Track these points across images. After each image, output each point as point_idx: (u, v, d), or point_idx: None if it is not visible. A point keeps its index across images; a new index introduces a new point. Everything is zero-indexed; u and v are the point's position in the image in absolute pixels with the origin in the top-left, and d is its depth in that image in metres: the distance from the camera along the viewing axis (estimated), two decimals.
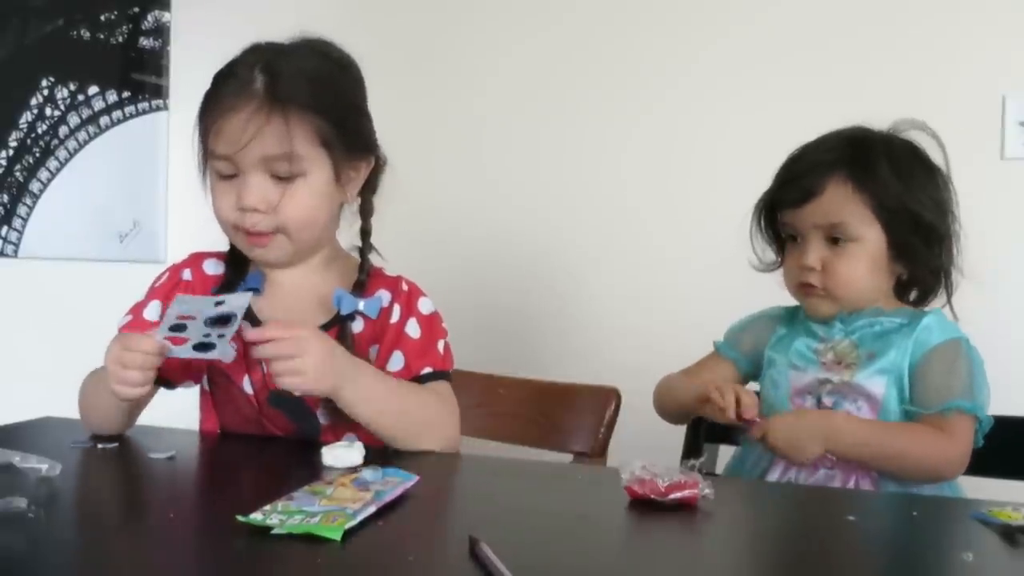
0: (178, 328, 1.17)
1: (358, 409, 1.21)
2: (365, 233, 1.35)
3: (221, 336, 1.15)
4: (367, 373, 1.22)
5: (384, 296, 1.31)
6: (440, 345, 1.32)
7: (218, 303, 1.18)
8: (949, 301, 1.41)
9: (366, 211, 1.35)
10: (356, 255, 1.35)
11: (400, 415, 1.23)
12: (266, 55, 1.26)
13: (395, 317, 1.30)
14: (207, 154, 1.27)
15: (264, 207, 1.24)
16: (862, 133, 1.41)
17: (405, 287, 1.34)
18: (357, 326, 1.30)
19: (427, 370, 1.29)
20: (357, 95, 1.33)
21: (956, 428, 1.30)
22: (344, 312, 1.28)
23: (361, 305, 1.29)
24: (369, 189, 1.34)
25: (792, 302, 1.49)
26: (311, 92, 1.24)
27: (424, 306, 1.34)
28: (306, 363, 1.14)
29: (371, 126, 1.33)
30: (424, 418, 1.25)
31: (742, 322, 1.55)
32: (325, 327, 1.27)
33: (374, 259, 1.36)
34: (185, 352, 1.16)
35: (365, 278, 1.33)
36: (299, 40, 1.29)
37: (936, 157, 1.40)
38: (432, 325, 1.32)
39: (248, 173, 1.23)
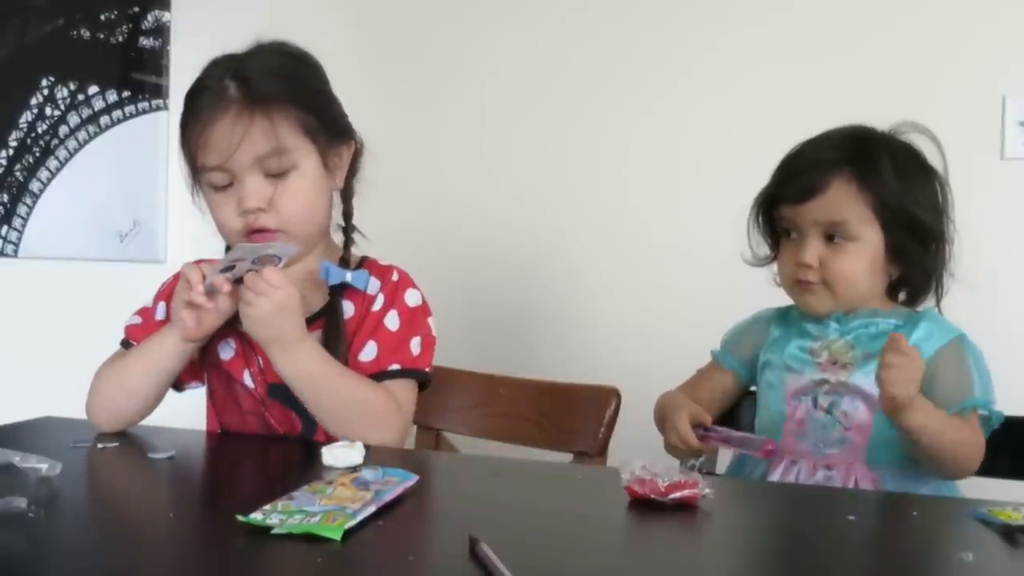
0: (228, 269, 1.21)
1: (287, 376, 1.23)
2: (348, 215, 1.37)
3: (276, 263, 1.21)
4: (307, 349, 1.23)
5: (373, 281, 1.32)
6: (415, 343, 1.31)
7: (267, 246, 1.22)
8: (938, 304, 1.41)
9: (348, 194, 1.37)
10: (342, 237, 1.37)
11: (337, 401, 1.24)
12: (230, 63, 1.28)
13: (377, 306, 1.31)
14: (197, 170, 1.28)
15: (266, 206, 1.25)
16: (866, 132, 1.41)
17: (395, 277, 1.35)
18: (348, 310, 1.31)
19: (394, 367, 1.29)
20: (324, 83, 1.35)
21: (974, 426, 1.31)
22: (332, 282, 1.29)
23: (349, 276, 1.30)
24: (350, 172, 1.36)
25: (785, 302, 1.49)
26: (284, 86, 1.26)
27: (410, 298, 1.34)
28: (260, 306, 1.19)
29: (343, 111, 1.35)
30: (364, 413, 1.24)
31: (737, 328, 1.55)
32: (319, 312, 1.29)
33: (360, 241, 1.37)
34: (228, 286, 1.21)
35: (351, 257, 1.35)
36: (255, 45, 1.31)
37: (935, 160, 1.40)
38: (414, 319, 1.32)
39: (243, 177, 1.25)
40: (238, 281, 1.22)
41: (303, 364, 1.23)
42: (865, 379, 1.35)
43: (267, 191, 1.25)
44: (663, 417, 1.43)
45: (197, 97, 1.27)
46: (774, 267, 1.48)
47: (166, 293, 1.36)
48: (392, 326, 1.30)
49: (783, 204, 1.41)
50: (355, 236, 1.37)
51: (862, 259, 1.37)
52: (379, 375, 1.28)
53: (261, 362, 1.30)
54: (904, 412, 1.23)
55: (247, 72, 1.25)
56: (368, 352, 1.29)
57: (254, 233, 1.26)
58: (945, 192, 1.40)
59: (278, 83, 1.26)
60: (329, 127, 1.30)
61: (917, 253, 1.37)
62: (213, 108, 1.24)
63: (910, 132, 1.41)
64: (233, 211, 1.26)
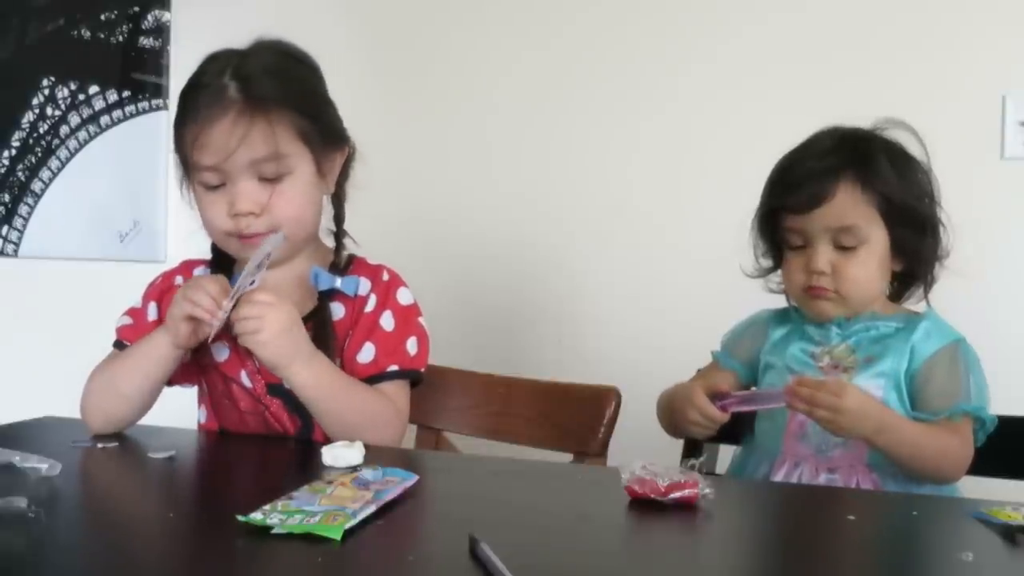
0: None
1: (305, 389, 1.22)
2: (339, 220, 1.37)
3: (252, 283, 1.20)
4: (321, 360, 1.24)
5: (364, 282, 1.32)
6: (411, 343, 1.32)
7: (261, 247, 1.22)
8: (927, 293, 1.42)
9: (339, 199, 1.37)
10: (333, 242, 1.36)
11: (344, 409, 1.24)
12: (230, 61, 1.26)
13: (370, 306, 1.31)
14: (190, 168, 1.27)
15: (258, 210, 1.24)
16: (857, 133, 1.40)
17: (386, 276, 1.35)
18: (338, 312, 1.31)
19: (392, 368, 1.29)
20: (322, 87, 1.34)
21: (963, 431, 1.32)
22: (321, 288, 1.29)
23: (338, 282, 1.30)
24: (342, 177, 1.36)
25: (780, 303, 1.49)
26: (285, 90, 1.25)
27: (402, 297, 1.34)
28: (268, 326, 1.17)
29: (339, 116, 1.35)
30: (365, 418, 1.25)
31: (736, 329, 1.55)
32: (309, 315, 1.29)
33: (350, 246, 1.37)
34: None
35: (341, 261, 1.34)
36: (255, 43, 1.30)
37: (916, 152, 1.40)
38: (407, 318, 1.33)
39: (237, 179, 1.24)
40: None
41: (322, 375, 1.23)
42: (866, 383, 1.35)
43: (260, 195, 1.24)
44: (672, 405, 1.42)
45: (195, 94, 1.25)
46: (769, 275, 1.49)
47: (156, 292, 1.36)
48: (387, 326, 1.31)
49: (789, 215, 1.39)
50: (346, 241, 1.37)
51: (872, 261, 1.36)
52: (377, 376, 1.29)
53: (257, 361, 1.30)
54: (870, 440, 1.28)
55: (248, 71, 1.24)
56: (366, 353, 1.29)
57: (243, 239, 1.26)
58: (931, 179, 1.40)
59: (278, 85, 1.25)
60: (325, 133, 1.29)
61: (918, 244, 1.38)
62: (212, 107, 1.22)
63: (891, 128, 1.41)
64: (223, 212, 1.25)
